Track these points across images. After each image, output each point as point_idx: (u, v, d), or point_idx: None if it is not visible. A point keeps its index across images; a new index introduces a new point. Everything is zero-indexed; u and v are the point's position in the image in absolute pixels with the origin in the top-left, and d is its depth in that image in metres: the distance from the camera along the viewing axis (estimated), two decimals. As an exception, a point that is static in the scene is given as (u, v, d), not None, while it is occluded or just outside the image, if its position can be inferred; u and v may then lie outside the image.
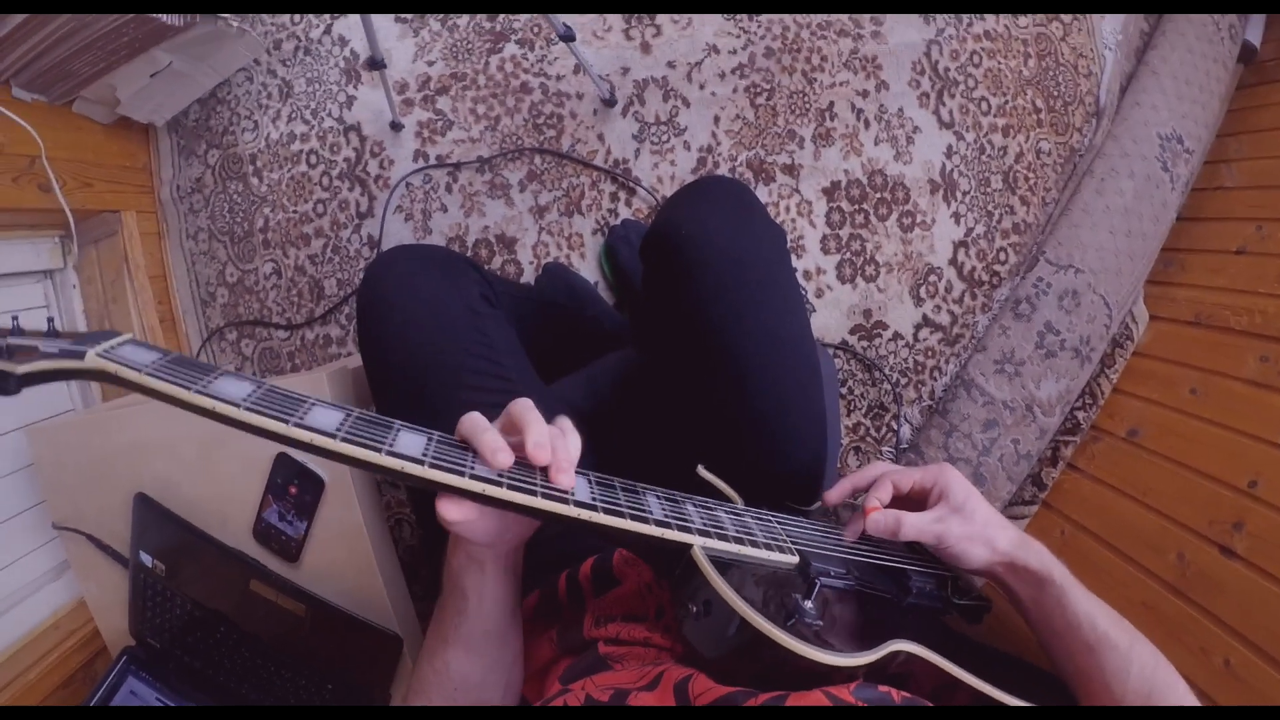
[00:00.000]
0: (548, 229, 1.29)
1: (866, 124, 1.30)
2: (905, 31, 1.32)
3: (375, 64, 1.03)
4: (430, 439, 0.43)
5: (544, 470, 0.44)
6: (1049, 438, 1.24)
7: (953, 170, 1.32)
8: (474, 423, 0.44)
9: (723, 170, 1.29)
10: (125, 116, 1.25)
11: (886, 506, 0.59)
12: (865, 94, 1.31)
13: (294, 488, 0.81)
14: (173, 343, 1.34)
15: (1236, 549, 0.90)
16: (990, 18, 1.36)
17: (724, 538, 0.49)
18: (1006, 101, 1.34)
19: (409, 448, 0.41)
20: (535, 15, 1.30)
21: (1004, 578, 0.57)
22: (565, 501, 0.43)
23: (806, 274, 1.29)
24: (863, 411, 1.29)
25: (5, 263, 1.08)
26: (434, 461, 0.41)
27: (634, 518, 0.45)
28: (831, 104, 1.30)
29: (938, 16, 1.33)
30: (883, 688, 0.43)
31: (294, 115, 1.34)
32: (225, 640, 0.84)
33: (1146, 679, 0.50)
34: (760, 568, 0.50)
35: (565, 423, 0.47)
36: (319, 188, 1.32)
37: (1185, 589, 0.93)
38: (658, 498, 0.50)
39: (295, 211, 1.33)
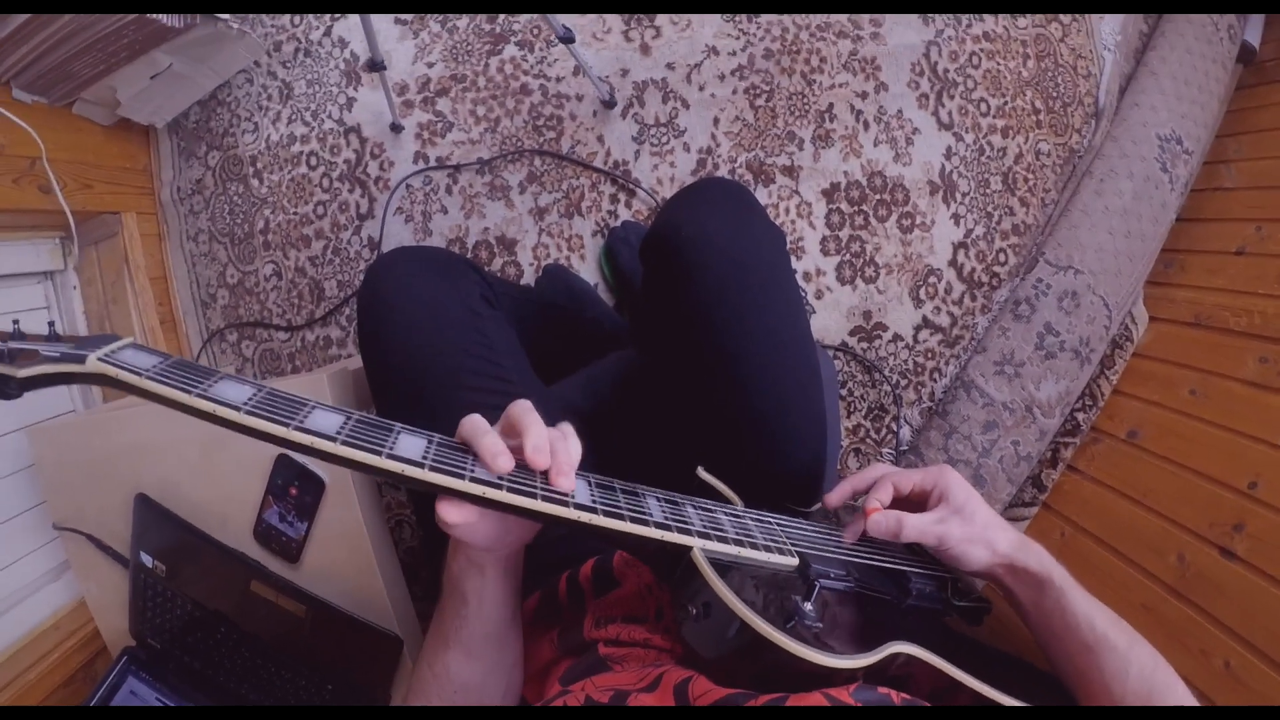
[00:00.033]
0: (548, 230, 1.29)
1: (866, 125, 1.31)
2: (904, 33, 1.33)
3: (375, 66, 1.03)
4: (431, 442, 0.43)
5: (544, 473, 0.44)
6: (1049, 439, 1.24)
7: (952, 171, 1.32)
8: (474, 425, 0.44)
9: (722, 172, 1.29)
10: (126, 118, 1.25)
11: (887, 508, 0.59)
12: (864, 95, 1.31)
13: (294, 489, 0.81)
14: (173, 344, 1.34)
15: (1237, 550, 0.90)
16: (989, 19, 1.36)
17: (724, 540, 0.49)
18: (1006, 103, 1.35)
19: (409, 450, 0.41)
20: (535, 17, 1.30)
21: (1004, 579, 0.57)
22: (565, 504, 0.43)
23: (806, 275, 1.29)
24: (863, 413, 1.29)
25: (6, 264, 1.08)
26: (434, 464, 0.41)
27: (634, 520, 0.46)
28: (831, 105, 1.30)
29: (937, 18, 1.34)
30: (882, 689, 0.43)
31: (294, 117, 1.34)
32: (225, 641, 0.84)
33: (1145, 680, 0.50)
34: (760, 570, 0.50)
35: (566, 427, 0.47)
36: (319, 189, 1.33)
37: (1185, 591, 0.93)
38: (658, 500, 0.51)
39: (296, 213, 1.33)
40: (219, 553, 0.83)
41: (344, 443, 0.40)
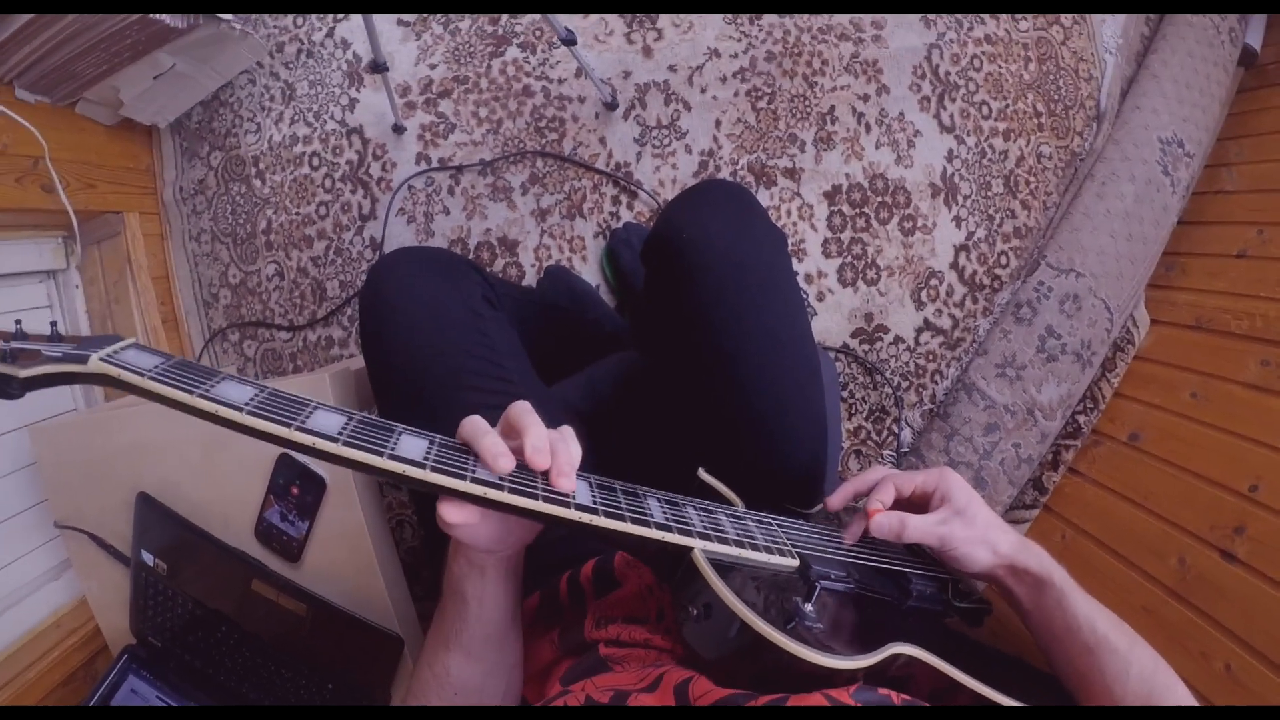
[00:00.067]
0: (549, 232, 1.29)
1: (868, 128, 1.31)
2: (906, 36, 1.33)
3: (378, 67, 1.04)
4: (432, 443, 0.43)
5: (545, 474, 0.44)
6: (1050, 441, 1.24)
7: (954, 174, 1.32)
8: (474, 426, 0.44)
9: (724, 174, 1.29)
10: (128, 118, 1.25)
11: (888, 510, 0.59)
12: (866, 98, 1.31)
13: (296, 488, 0.81)
14: (175, 344, 1.35)
15: (1237, 553, 0.90)
16: (991, 22, 1.36)
17: (724, 541, 0.49)
18: (1007, 105, 1.35)
19: (411, 451, 0.41)
20: (537, 19, 1.31)
21: (1005, 580, 0.57)
22: (566, 505, 0.43)
23: (808, 277, 1.29)
24: (864, 415, 1.29)
25: (8, 263, 1.09)
26: (435, 465, 0.41)
27: (635, 521, 0.46)
28: (833, 108, 1.30)
29: (938, 21, 1.34)
30: (883, 690, 0.43)
31: (297, 118, 1.34)
32: (226, 639, 0.84)
33: (1146, 681, 0.50)
34: (761, 571, 0.50)
35: (566, 429, 0.48)
36: (321, 190, 1.33)
37: (1186, 593, 0.93)
38: (658, 501, 0.51)
39: (298, 213, 1.33)
40: (220, 552, 0.83)
41: (345, 443, 0.40)
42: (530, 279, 1.29)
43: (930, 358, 1.30)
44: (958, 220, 1.31)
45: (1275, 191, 1.21)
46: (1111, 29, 1.40)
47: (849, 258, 1.29)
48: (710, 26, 1.31)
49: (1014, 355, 1.24)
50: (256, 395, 0.40)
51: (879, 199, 1.30)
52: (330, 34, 1.35)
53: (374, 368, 0.69)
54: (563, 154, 1.29)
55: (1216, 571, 0.91)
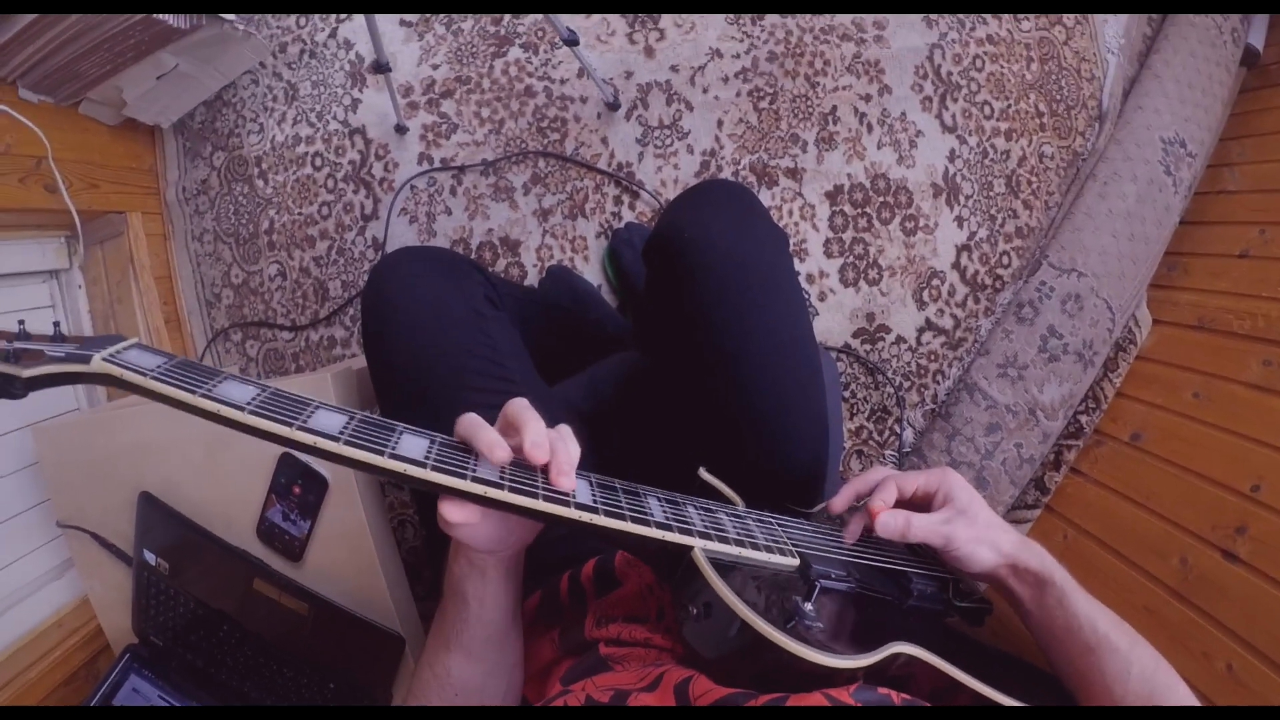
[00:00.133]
0: (551, 232, 1.29)
1: (869, 128, 1.31)
2: (908, 36, 1.33)
3: (380, 67, 1.04)
4: (433, 442, 0.43)
5: (544, 472, 0.45)
6: (1052, 441, 1.24)
7: (955, 174, 1.32)
8: (471, 422, 0.44)
9: (726, 174, 1.29)
10: (131, 118, 1.25)
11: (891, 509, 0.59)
12: (868, 98, 1.31)
13: (298, 488, 0.81)
14: (178, 343, 1.35)
15: (1239, 553, 0.90)
16: (993, 22, 1.36)
17: (725, 540, 0.49)
18: (1009, 105, 1.35)
19: (412, 450, 0.42)
20: (539, 20, 1.31)
21: (1006, 579, 0.57)
22: (567, 504, 0.43)
23: (809, 277, 1.29)
24: (865, 415, 1.29)
25: (11, 263, 1.09)
26: (436, 464, 0.41)
27: (635, 520, 0.46)
28: (834, 108, 1.30)
29: (940, 21, 1.34)
30: (883, 690, 0.43)
31: (299, 118, 1.35)
32: (228, 639, 0.85)
33: (1147, 680, 0.50)
34: (761, 570, 0.50)
35: (564, 429, 0.48)
36: (324, 190, 1.33)
37: (1188, 593, 0.93)
38: (659, 500, 0.51)
39: (300, 213, 1.34)
40: (222, 551, 0.83)
41: (347, 443, 0.40)
42: (532, 279, 1.29)
43: (932, 357, 1.30)
44: (960, 220, 1.31)
45: (1277, 191, 1.21)
46: (1114, 29, 1.40)
47: (851, 258, 1.29)
48: (712, 27, 1.31)
49: (1016, 355, 1.23)
50: (258, 395, 0.40)
51: (881, 199, 1.30)
52: (333, 34, 1.36)
53: (376, 367, 0.69)
54: (565, 154, 1.29)
55: (1218, 571, 0.91)
